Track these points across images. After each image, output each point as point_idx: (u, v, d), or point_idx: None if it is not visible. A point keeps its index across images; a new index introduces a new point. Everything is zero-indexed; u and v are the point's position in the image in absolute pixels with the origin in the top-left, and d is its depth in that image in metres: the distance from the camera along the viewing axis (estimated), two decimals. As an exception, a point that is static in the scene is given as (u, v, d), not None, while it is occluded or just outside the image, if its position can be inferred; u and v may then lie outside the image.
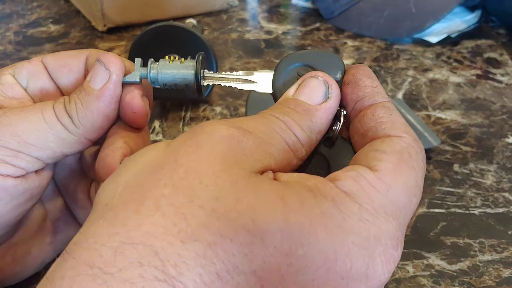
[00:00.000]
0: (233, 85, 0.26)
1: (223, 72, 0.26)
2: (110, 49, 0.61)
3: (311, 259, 0.17)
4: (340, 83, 0.23)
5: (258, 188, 0.17)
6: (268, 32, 0.66)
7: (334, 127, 0.23)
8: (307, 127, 0.21)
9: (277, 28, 0.67)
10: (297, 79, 0.24)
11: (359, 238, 0.18)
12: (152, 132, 0.46)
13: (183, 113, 0.48)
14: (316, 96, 0.22)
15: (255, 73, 0.26)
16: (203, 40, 0.45)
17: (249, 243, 0.16)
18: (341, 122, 0.23)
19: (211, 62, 0.46)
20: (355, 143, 0.23)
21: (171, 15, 0.67)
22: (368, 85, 0.23)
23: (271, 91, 0.25)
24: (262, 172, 0.19)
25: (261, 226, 0.17)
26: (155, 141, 0.44)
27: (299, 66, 0.24)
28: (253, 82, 0.26)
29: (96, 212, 0.18)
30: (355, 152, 0.22)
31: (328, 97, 0.22)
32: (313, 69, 0.24)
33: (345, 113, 0.23)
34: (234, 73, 0.26)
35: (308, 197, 0.18)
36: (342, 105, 0.23)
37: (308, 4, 0.73)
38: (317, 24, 0.68)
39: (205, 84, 0.26)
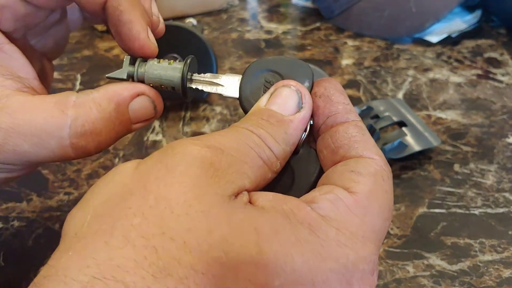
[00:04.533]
0: (204, 88, 0.26)
1: (196, 74, 0.26)
2: (109, 49, 0.61)
3: None
4: (308, 91, 0.23)
5: (231, 218, 0.17)
6: (268, 32, 0.66)
7: (302, 136, 0.22)
8: (281, 140, 0.21)
9: (277, 28, 0.67)
10: (264, 85, 0.24)
11: (337, 265, 0.17)
12: (152, 132, 0.46)
13: (183, 113, 0.48)
14: (289, 106, 0.22)
15: (223, 76, 0.25)
16: (203, 40, 0.45)
17: (222, 277, 0.16)
18: (307, 132, 0.22)
19: (211, 62, 0.46)
20: (324, 157, 0.22)
21: (170, 15, 0.66)
22: (341, 102, 0.23)
23: (237, 96, 0.25)
24: (236, 195, 0.18)
25: (234, 259, 0.16)
26: (154, 142, 0.44)
27: (266, 72, 0.24)
28: (219, 85, 0.25)
29: (65, 243, 0.17)
30: (319, 161, 0.22)
31: (302, 107, 0.22)
32: (281, 76, 0.24)
33: (311, 123, 0.23)
34: (202, 75, 0.26)
35: (283, 224, 0.17)
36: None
37: (308, 4, 0.73)
38: (317, 24, 0.68)
39: (193, 87, 0.26)
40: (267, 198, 0.19)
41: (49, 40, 0.29)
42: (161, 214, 0.16)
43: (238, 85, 0.24)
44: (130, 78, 0.26)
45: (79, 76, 0.55)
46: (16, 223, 0.35)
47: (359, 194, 0.19)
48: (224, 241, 0.16)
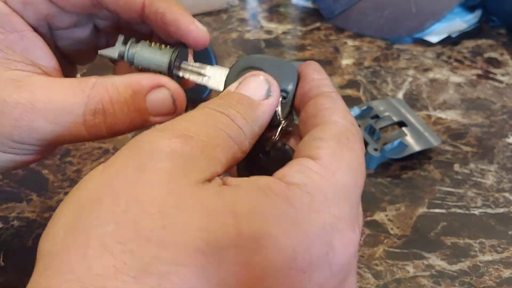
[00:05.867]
0: (192, 78, 0.26)
1: (185, 63, 0.26)
2: (110, 49, 0.61)
3: (270, 262, 0.17)
4: (293, 93, 0.24)
5: (208, 206, 0.17)
6: (268, 32, 0.66)
7: (273, 137, 0.23)
8: (250, 119, 0.21)
9: (277, 28, 0.67)
10: None
11: (316, 230, 0.18)
12: (152, 132, 0.46)
13: (183, 113, 0.48)
14: (259, 92, 0.22)
15: (210, 67, 0.25)
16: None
17: (204, 264, 0.16)
18: (278, 132, 0.23)
19: (211, 62, 0.46)
20: (302, 133, 0.23)
21: (171, 15, 0.66)
22: (315, 78, 0.23)
23: (222, 89, 0.25)
24: (210, 180, 0.18)
25: (214, 246, 0.16)
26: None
27: (253, 70, 0.24)
28: (206, 76, 0.25)
29: (42, 262, 0.17)
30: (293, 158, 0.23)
31: (270, 95, 0.22)
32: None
33: (281, 121, 0.23)
34: (191, 63, 0.26)
35: (260, 199, 0.18)
36: (282, 116, 0.24)
37: (308, 4, 0.73)
38: (317, 24, 0.68)
39: (180, 75, 0.25)
40: (241, 179, 0.19)
41: (76, 48, 0.29)
42: (134, 217, 0.16)
43: (224, 79, 0.25)
44: (121, 57, 0.25)
45: (79, 76, 0.55)
46: (16, 223, 0.35)
47: (323, 159, 0.19)
48: (203, 231, 0.16)
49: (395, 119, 0.42)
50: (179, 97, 0.25)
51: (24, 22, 0.24)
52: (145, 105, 0.24)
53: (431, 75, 0.55)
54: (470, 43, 0.62)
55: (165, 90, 0.24)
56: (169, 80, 0.24)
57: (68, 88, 0.23)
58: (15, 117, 0.23)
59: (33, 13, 0.25)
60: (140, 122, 0.24)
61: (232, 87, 0.23)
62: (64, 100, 0.23)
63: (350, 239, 0.19)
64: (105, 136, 0.24)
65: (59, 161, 0.41)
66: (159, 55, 0.25)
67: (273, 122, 0.23)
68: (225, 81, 0.24)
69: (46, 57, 0.25)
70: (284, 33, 0.65)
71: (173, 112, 0.25)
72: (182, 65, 0.25)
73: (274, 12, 0.72)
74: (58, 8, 0.25)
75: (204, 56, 0.45)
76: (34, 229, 0.35)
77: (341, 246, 0.18)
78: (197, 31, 0.25)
